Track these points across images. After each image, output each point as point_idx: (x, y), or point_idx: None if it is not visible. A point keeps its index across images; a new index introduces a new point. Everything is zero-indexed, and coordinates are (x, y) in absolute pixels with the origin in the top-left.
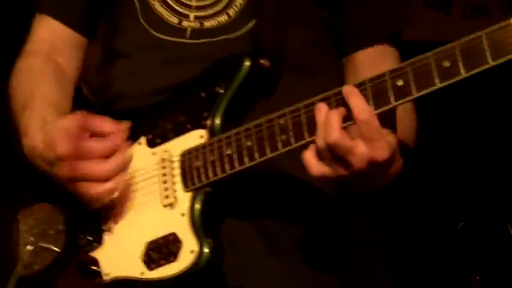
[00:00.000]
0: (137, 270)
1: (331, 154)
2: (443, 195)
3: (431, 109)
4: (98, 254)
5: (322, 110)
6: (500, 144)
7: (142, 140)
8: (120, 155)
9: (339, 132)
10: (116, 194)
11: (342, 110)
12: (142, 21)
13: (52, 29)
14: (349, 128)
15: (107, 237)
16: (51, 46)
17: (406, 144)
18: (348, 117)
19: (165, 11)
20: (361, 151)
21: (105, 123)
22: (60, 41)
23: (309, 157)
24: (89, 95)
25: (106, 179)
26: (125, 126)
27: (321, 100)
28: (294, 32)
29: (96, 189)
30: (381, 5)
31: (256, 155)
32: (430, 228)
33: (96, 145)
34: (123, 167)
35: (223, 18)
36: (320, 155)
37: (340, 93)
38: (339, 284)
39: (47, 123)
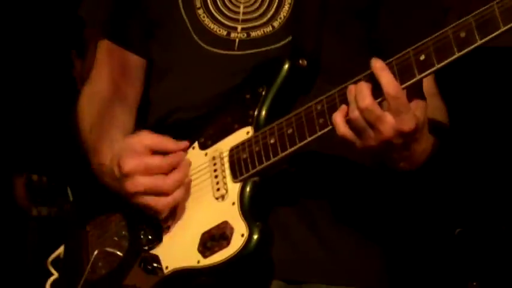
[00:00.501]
0: (194, 259)
1: (364, 121)
2: (440, 201)
3: None
4: (158, 251)
5: (352, 90)
6: (498, 151)
7: (196, 144)
8: (180, 171)
9: (370, 98)
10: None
11: (371, 85)
12: (194, 36)
13: (113, 53)
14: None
15: (165, 234)
16: (113, 70)
17: (441, 122)
18: (378, 94)
19: (214, 25)
20: (390, 120)
21: (167, 142)
22: (121, 64)
23: (339, 118)
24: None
25: (167, 193)
26: (184, 144)
27: (353, 83)
28: (332, 42)
29: (158, 203)
30: (417, 17)
31: (297, 140)
32: (427, 233)
33: (158, 162)
34: (182, 181)
35: (268, 29)
36: (352, 126)
37: (369, 74)
38: (382, 269)
39: (114, 142)
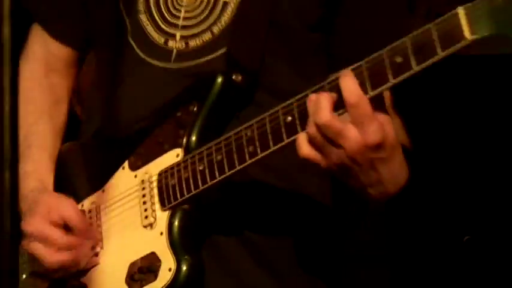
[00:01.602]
0: None
1: (323, 138)
2: (448, 208)
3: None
4: (86, 279)
5: (312, 100)
6: (508, 159)
7: (126, 164)
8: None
9: (329, 114)
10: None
11: (333, 95)
12: (131, 41)
13: (46, 44)
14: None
15: (94, 262)
16: (46, 63)
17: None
18: (341, 104)
19: (153, 31)
20: (352, 134)
21: (83, 225)
22: (53, 57)
23: (301, 138)
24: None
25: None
26: (88, 223)
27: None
28: (278, 57)
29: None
30: (375, 26)
31: (226, 169)
32: (434, 241)
33: (59, 239)
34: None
35: (207, 36)
36: (312, 143)
37: (332, 80)
38: None
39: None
